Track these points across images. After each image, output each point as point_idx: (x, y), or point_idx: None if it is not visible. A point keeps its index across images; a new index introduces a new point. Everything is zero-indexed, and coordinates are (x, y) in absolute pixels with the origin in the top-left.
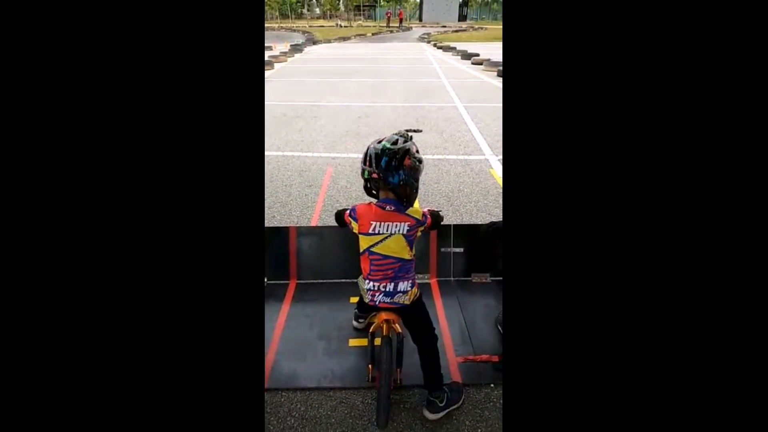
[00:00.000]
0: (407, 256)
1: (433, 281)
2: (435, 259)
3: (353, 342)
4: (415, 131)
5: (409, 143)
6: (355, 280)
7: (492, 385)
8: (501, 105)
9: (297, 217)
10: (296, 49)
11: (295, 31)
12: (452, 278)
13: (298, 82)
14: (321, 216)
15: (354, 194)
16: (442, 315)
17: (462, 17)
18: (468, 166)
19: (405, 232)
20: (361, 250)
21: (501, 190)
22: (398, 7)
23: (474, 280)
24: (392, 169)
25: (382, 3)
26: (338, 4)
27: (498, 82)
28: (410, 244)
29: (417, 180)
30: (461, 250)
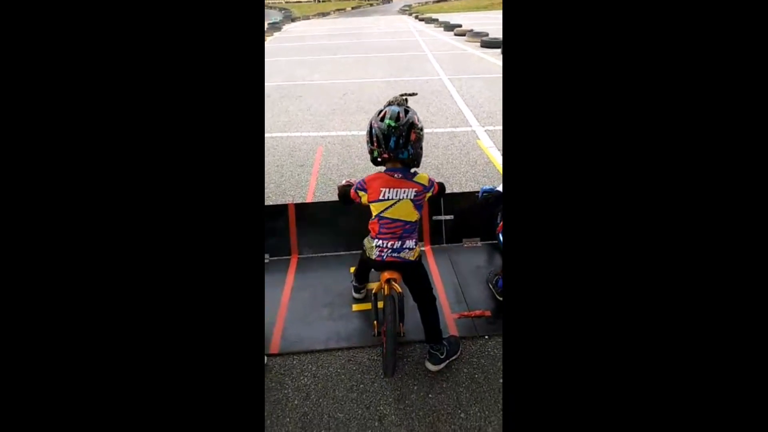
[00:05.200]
0: (414, 219)
1: (428, 248)
2: (428, 228)
3: (356, 307)
4: (410, 95)
5: (410, 113)
6: (356, 252)
7: (486, 337)
8: (485, 76)
9: (292, 197)
10: (274, 27)
11: (271, 8)
12: (445, 244)
13: (279, 62)
14: (315, 194)
15: (346, 171)
16: (438, 278)
17: None
18: (455, 138)
19: (413, 198)
20: (372, 216)
21: (488, 160)
22: None
23: (465, 245)
24: (401, 147)
25: None
26: None
27: (481, 53)
28: (418, 208)
29: (421, 147)
30: (451, 217)
